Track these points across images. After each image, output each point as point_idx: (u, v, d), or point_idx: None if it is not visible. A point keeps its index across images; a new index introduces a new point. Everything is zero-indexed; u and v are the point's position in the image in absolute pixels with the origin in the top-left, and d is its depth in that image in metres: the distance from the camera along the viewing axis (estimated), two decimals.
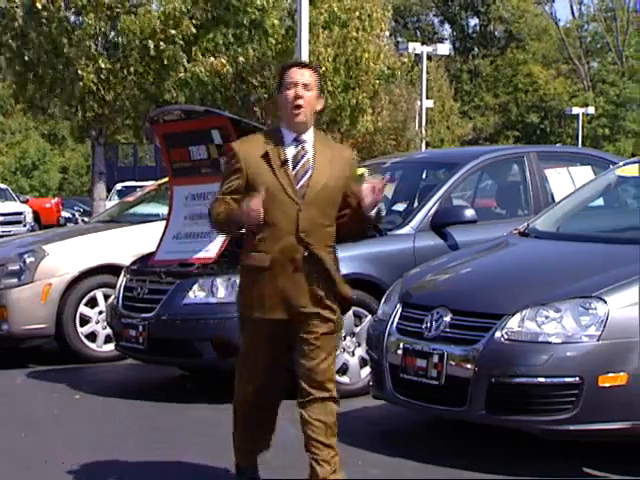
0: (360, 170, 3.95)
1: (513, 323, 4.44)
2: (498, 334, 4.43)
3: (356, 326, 6.23)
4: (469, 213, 6.70)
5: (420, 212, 6.65)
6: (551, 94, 49.97)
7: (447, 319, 4.65)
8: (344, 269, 6.11)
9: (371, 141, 26.50)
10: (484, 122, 49.91)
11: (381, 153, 21.60)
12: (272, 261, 3.87)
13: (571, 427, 4.29)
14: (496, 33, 53.89)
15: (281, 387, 4.17)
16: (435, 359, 4.58)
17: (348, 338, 6.21)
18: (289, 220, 3.84)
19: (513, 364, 4.38)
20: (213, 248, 6.36)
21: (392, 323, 4.96)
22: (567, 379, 4.28)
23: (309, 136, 3.96)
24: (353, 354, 6.22)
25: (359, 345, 6.16)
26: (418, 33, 52.48)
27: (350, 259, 6.23)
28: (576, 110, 44.84)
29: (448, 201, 6.91)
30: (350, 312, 6.15)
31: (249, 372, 4.05)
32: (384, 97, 23.14)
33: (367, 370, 5.89)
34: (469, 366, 4.47)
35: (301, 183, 3.88)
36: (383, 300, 5.33)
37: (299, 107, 3.87)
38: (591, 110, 45.65)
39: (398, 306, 5.01)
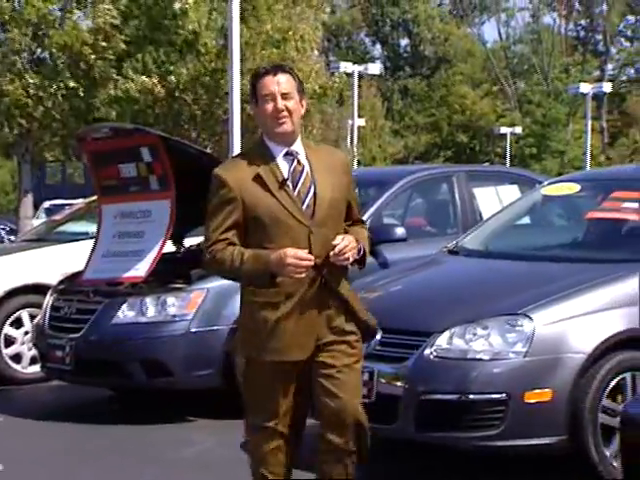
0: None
1: (442, 340, 4.48)
2: (427, 351, 4.47)
3: None
4: (399, 231, 6.76)
5: None
6: (478, 114, 50.82)
7: (377, 337, 4.67)
8: None
9: None
10: (415, 141, 50.52)
11: None
12: (287, 295, 3.36)
13: (499, 443, 4.33)
14: (426, 53, 54.69)
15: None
16: (365, 377, 4.57)
17: None
18: (300, 247, 3.33)
19: (442, 381, 4.42)
20: (143, 267, 6.29)
21: None
22: (494, 395, 4.32)
23: (299, 146, 3.47)
24: None
25: None
26: (350, 53, 52.92)
27: None
28: (504, 130, 45.68)
29: (378, 219, 6.96)
30: None
31: (264, 426, 3.45)
32: (316, 116, 23.25)
33: None
34: (399, 384, 4.49)
35: (307, 202, 3.41)
36: None
37: (282, 117, 3.40)
38: (518, 130, 46.56)
39: None
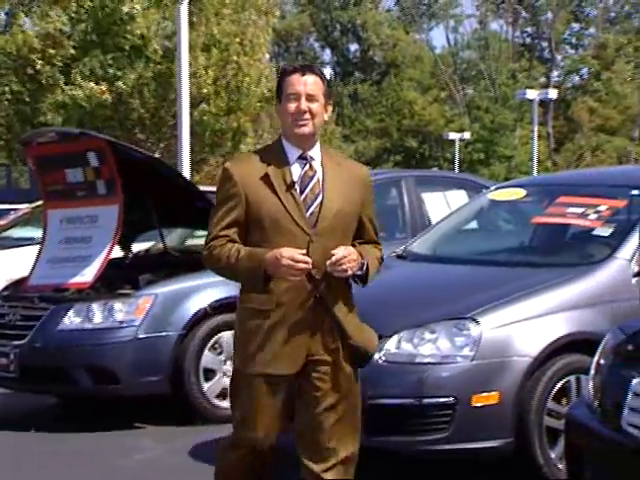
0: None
1: (390, 345, 4.49)
2: (377, 355, 4.47)
3: None
4: None
5: None
6: (427, 120, 51.26)
7: None
8: (225, 292, 6.21)
9: None
10: (366, 146, 50.75)
11: None
12: (278, 303, 3.21)
13: (447, 447, 4.36)
14: (376, 59, 55.00)
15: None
16: None
17: (229, 362, 6.18)
18: None
19: (390, 385, 4.44)
20: (89, 272, 6.22)
21: None
22: (442, 399, 4.34)
23: (316, 152, 3.32)
24: None
25: None
26: (300, 57, 53.02)
27: (224, 283, 6.21)
28: (453, 135, 46.13)
29: None
30: (230, 334, 6.17)
31: (250, 441, 3.29)
32: (266, 120, 23.27)
33: None
34: None
35: (311, 209, 3.25)
36: None
37: (304, 120, 3.26)
38: (467, 135, 47.06)
39: None
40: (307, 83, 3.27)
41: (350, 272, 3.22)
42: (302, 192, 3.26)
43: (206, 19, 17.39)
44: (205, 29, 17.35)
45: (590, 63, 53.52)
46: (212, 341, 6.13)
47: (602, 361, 3.66)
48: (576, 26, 56.35)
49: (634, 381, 3.33)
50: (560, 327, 4.57)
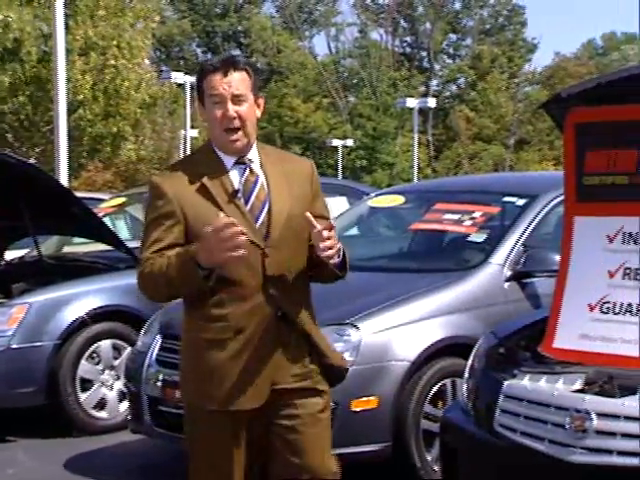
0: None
1: None
2: None
3: (115, 359, 6.11)
4: None
5: None
6: (311, 126, 51.65)
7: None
8: (103, 300, 6.10)
9: (135, 170, 26.25)
10: None
11: (145, 182, 21.40)
12: (236, 331, 2.80)
13: None
14: (259, 65, 55.05)
15: None
16: None
17: (107, 371, 6.08)
18: (252, 271, 2.79)
19: None
20: None
21: (152, 355, 4.88)
22: None
23: (254, 154, 2.90)
24: (112, 388, 6.09)
25: (118, 378, 6.03)
26: (182, 63, 52.55)
27: (110, 290, 6.12)
28: (336, 142, 46.60)
29: None
30: (109, 343, 6.07)
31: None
32: (147, 126, 22.95)
33: (126, 404, 5.76)
34: None
35: (261, 219, 2.84)
36: (143, 331, 5.24)
37: (234, 131, 2.84)
38: (350, 142, 47.63)
39: (158, 337, 4.94)
40: (231, 83, 2.83)
41: (336, 260, 2.83)
42: (247, 201, 2.84)
43: (82, 22, 17.03)
44: (81, 32, 16.99)
45: (467, 73, 55.06)
46: (89, 350, 6.00)
47: (476, 364, 3.74)
48: (453, 37, 57.89)
49: (505, 384, 3.42)
50: (437, 331, 4.66)
